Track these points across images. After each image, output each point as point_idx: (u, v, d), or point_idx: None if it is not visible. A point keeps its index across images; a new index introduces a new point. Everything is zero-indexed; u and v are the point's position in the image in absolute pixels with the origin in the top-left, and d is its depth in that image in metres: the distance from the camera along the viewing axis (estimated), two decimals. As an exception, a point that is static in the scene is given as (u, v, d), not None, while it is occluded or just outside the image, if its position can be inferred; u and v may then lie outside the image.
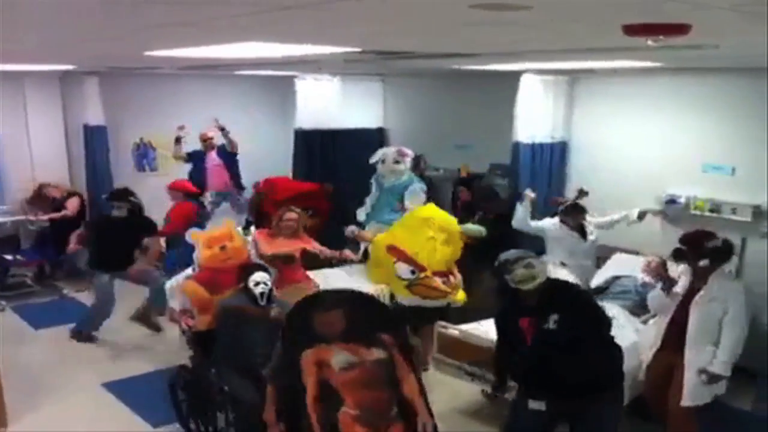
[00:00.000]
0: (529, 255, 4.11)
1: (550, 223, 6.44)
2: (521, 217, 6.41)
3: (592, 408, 3.94)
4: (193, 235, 5.81)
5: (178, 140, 8.89)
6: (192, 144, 9.11)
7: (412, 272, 5.97)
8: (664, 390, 4.79)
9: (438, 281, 5.96)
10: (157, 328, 7.25)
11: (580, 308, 4.03)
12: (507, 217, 6.69)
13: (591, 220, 6.46)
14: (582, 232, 6.40)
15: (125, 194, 7.12)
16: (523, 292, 3.99)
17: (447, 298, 6.09)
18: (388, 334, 3.92)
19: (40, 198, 8.82)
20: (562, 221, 6.40)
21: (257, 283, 4.83)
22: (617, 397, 4.15)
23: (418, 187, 7.17)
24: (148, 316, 7.25)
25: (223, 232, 5.79)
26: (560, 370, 3.85)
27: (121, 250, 6.91)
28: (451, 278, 6.10)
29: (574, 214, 6.35)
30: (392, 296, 6.21)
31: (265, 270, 5.05)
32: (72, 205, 8.61)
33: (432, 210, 6.39)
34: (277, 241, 6.16)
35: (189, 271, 6.01)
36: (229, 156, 9.13)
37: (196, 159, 9.08)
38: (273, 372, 4.13)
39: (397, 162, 7.22)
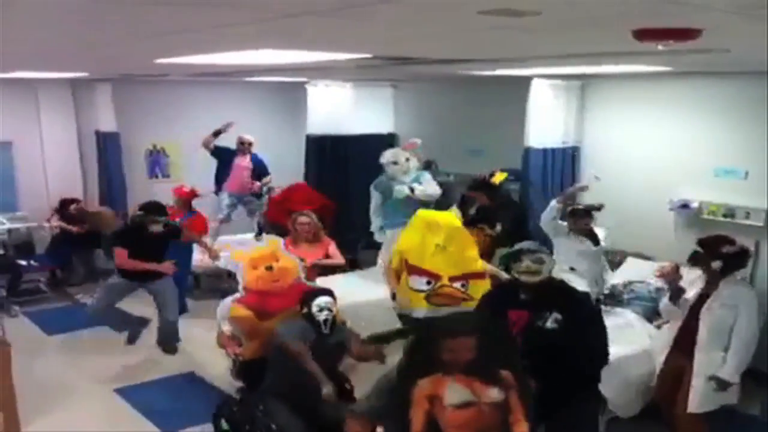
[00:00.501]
0: (543, 250, 4.12)
1: (561, 225, 6.26)
2: (551, 216, 6.07)
3: (565, 408, 3.89)
4: (235, 255, 5.54)
5: (217, 133, 8.83)
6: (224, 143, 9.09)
7: (428, 282, 5.69)
8: (674, 395, 4.77)
9: (455, 287, 5.69)
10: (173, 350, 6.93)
11: (583, 314, 4.03)
12: (522, 225, 6.67)
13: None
14: (592, 238, 6.30)
15: (162, 209, 6.69)
16: (522, 284, 4.00)
17: (464, 305, 5.73)
18: (508, 370, 3.43)
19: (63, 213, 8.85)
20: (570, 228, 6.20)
21: (321, 309, 4.54)
22: (591, 397, 4.15)
23: (429, 176, 7.41)
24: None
25: (268, 251, 5.50)
26: (543, 370, 3.72)
27: (153, 262, 6.56)
28: (471, 282, 5.74)
29: (575, 219, 6.15)
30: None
31: (329, 294, 4.76)
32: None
33: (432, 214, 6.14)
34: (301, 247, 6.19)
35: (237, 293, 5.61)
36: (261, 164, 9.09)
37: (225, 155, 8.94)
38: (374, 407, 3.86)
39: (407, 159, 7.34)
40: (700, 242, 4.77)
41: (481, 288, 5.55)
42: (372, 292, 6.56)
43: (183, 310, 7.78)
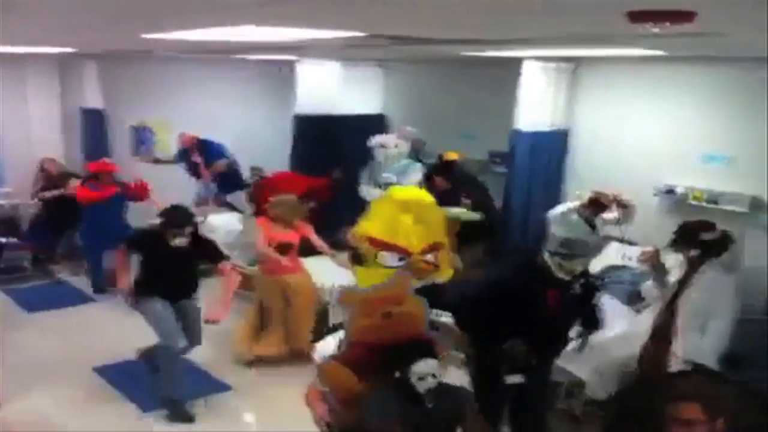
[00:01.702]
0: (588, 252, 4.36)
1: (563, 207, 6.02)
2: (564, 210, 5.85)
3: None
4: (346, 296, 4.12)
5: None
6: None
7: (400, 259, 5.76)
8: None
9: (427, 258, 5.81)
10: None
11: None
12: (489, 206, 6.73)
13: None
14: (592, 226, 6.25)
15: (188, 217, 5.39)
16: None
17: (434, 275, 5.90)
18: None
19: (43, 175, 8.76)
20: (580, 212, 5.89)
21: (422, 377, 3.40)
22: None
23: (419, 166, 7.46)
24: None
25: (392, 291, 3.91)
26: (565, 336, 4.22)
27: (183, 280, 5.49)
28: (437, 254, 5.87)
29: (594, 209, 6.10)
30: None
31: (430, 350, 3.52)
32: (72, 187, 8.56)
33: (399, 191, 6.23)
34: (276, 228, 6.17)
35: (335, 339, 4.20)
36: (212, 150, 9.36)
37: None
38: None
39: (396, 146, 7.34)
40: (680, 228, 4.78)
41: (444, 256, 5.90)
42: (347, 275, 6.50)
43: None
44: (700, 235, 4.64)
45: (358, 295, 4.02)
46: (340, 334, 4.01)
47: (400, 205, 5.91)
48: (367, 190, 7.42)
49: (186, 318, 5.44)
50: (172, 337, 5.24)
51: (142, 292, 5.30)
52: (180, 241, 5.18)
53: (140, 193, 7.97)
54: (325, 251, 6.45)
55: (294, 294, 6.19)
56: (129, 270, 5.44)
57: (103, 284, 7.88)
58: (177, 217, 5.26)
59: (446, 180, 7.15)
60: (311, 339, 6.21)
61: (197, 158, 9.20)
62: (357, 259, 6.05)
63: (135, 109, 9.74)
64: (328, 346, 4.25)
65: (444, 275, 5.99)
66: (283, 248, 6.14)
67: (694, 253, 4.62)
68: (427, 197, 6.13)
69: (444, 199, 6.59)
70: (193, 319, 5.47)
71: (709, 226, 4.74)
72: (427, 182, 7.21)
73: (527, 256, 4.43)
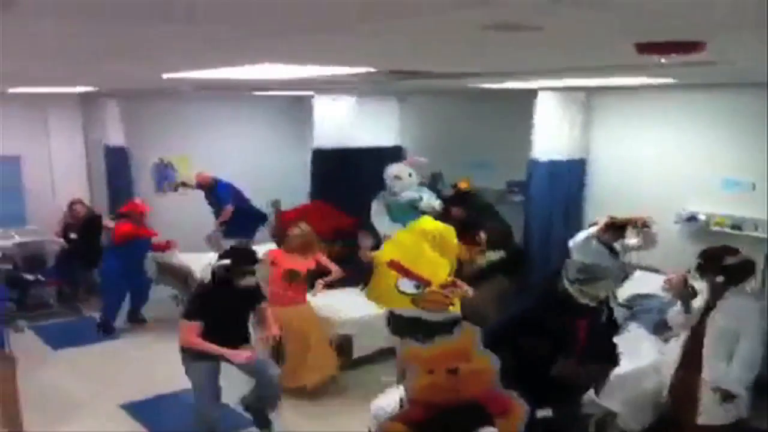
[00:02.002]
0: (609, 275, 4.28)
1: (583, 234, 6.09)
2: (583, 237, 5.98)
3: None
4: (408, 352, 3.87)
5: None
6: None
7: (417, 287, 5.86)
8: (685, 408, 4.72)
9: (443, 293, 5.85)
10: None
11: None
12: (507, 237, 6.71)
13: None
14: (612, 251, 6.25)
15: (253, 255, 5.27)
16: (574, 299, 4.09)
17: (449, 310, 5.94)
18: None
19: (70, 215, 8.84)
20: (599, 237, 6.02)
21: None
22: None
23: (432, 195, 7.51)
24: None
25: (458, 345, 3.66)
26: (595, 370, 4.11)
27: (241, 324, 5.34)
28: (455, 289, 5.91)
29: (612, 233, 6.10)
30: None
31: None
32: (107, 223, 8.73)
33: (427, 222, 6.30)
34: (288, 258, 6.20)
35: (396, 396, 3.94)
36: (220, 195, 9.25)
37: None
38: None
39: (410, 174, 7.39)
40: (703, 254, 4.74)
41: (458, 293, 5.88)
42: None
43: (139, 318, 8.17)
44: (724, 261, 4.60)
45: (419, 351, 3.75)
46: (401, 390, 3.77)
47: (425, 235, 6.02)
48: (380, 221, 7.43)
49: (260, 374, 5.27)
50: (208, 408, 5.12)
51: (192, 354, 5.06)
52: (249, 281, 5.06)
53: (164, 246, 8.35)
54: (336, 275, 6.43)
55: (287, 327, 5.98)
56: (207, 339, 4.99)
57: (115, 327, 8.03)
58: (245, 256, 5.16)
59: (463, 209, 7.17)
60: (329, 372, 6.25)
61: (211, 199, 9.24)
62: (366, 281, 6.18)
63: (157, 146, 9.89)
64: (388, 402, 4.16)
65: (455, 310, 6.01)
66: (291, 276, 6.15)
67: (719, 279, 4.58)
68: (452, 232, 6.18)
69: (462, 229, 6.60)
70: (269, 379, 5.27)
71: (732, 252, 4.70)
72: (444, 212, 7.20)
73: (549, 287, 4.38)
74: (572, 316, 4.11)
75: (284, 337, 5.97)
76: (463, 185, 7.59)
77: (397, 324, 6.08)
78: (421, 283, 5.87)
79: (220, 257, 5.14)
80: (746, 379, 4.51)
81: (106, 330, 7.96)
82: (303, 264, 6.22)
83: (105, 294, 8.21)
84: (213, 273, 5.10)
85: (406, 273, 5.89)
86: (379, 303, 6.07)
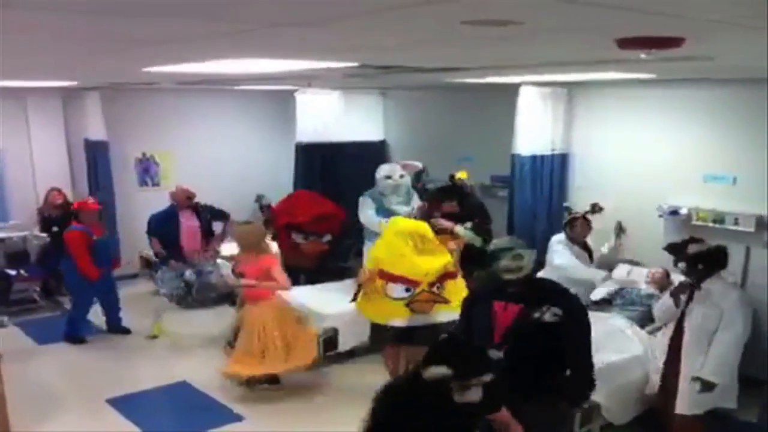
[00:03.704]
0: (519, 245, 4.09)
1: (556, 243, 6.30)
2: (558, 243, 6.25)
3: (526, 407, 3.77)
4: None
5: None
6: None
7: (407, 290, 5.70)
8: (670, 398, 4.78)
9: (434, 291, 5.74)
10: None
11: (579, 311, 4.03)
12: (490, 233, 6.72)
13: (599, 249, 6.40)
14: (588, 251, 6.36)
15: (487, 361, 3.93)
16: (507, 281, 3.99)
17: (436, 309, 5.80)
18: None
19: (47, 206, 8.79)
20: (569, 238, 6.32)
21: None
22: (555, 407, 4.08)
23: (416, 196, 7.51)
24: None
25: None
26: (523, 363, 3.82)
27: None
28: (445, 285, 5.81)
29: (581, 230, 6.25)
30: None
31: None
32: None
33: (404, 222, 6.17)
34: (245, 259, 6.19)
35: None
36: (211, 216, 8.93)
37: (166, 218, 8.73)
38: None
39: (402, 176, 7.39)
40: (667, 248, 4.82)
41: (453, 287, 5.70)
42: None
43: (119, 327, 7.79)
44: (686, 250, 4.67)
45: None
46: None
47: (401, 236, 5.87)
48: (368, 218, 7.40)
49: None
50: None
51: None
52: (473, 396, 3.13)
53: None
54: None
55: (259, 321, 6.10)
56: None
57: (83, 333, 7.57)
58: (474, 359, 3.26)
59: (456, 204, 6.91)
60: (303, 361, 6.19)
61: (188, 218, 8.77)
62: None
63: (139, 140, 9.82)
64: None
65: (454, 308, 5.88)
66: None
67: (681, 265, 4.66)
68: (426, 228, 6.02)
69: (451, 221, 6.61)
70: None
71: (695, 241, 4.78)
72: (433, 204, 7.07)
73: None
74: (491, 298, 4.02)
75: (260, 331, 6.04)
76: (461, 175, 7.33)
77: (386, 335, 5.95)
78: (409, 285, 5.71)
79: (433, 362, 3.16)
80: (724, 368, 4.56)
81: (73, 341, 7.48)
82: (251, 269, 6.15)
83: (72, 304, 7.82)
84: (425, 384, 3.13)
85: (392, 278, 5.75)
86: (375, 316, 5.91)
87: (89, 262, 7.20)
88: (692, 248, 4.69)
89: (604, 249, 6.58)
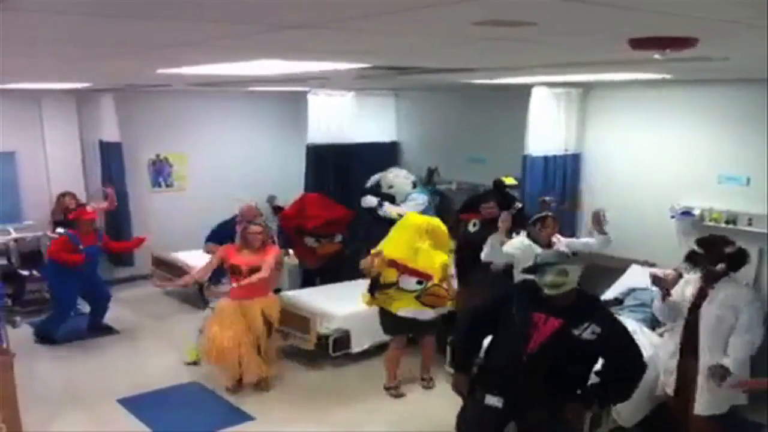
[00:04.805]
0: (565, 261, 4.08)
1: (518, 243, 5.91)
2: (495, 250, 5.74)
3: (549, 423, 3.90)
4: None
5: None
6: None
7: (419, 282, 5.90)
8: (686, 401, 4.74)
9: (444, 287, 5.96)
10: None
11: (619, 329, 4.04)
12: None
13: (562, 240, 6.06)
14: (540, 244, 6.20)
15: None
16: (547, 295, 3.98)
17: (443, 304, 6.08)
18: None
19: (59, 208, 8.80)
20: (532, 239, 5.93)
21: None
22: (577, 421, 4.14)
23: (418, 196, 7.58)
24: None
25: None
26: (555, 379, 3.85)
27: None
28: (447, 284, 6.05)
29: (552, 229, 5.98)
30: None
31: None
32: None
33: (416, 217, 6.35)
34: (243, 253, 6.19)
35: None
36: None
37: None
38: None
39: (390, 187, 7.59)
40: (701, 244, 4.74)
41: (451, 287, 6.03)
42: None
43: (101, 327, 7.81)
44: (724, 249, 4.62)
45: None
46: None
47: (418, 230, 6.05)
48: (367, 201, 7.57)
49: None
50: None
51: None
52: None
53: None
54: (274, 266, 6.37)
55: (241, 317, 6.16)
56: None
57: (57, 335, 7.54)
58: None
59: (500, 207, 6.37)
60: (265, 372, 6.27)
61: None
62: (372, 288, 6.09)
63: (152, 142, 9.87)
64: None
65: (449, 304, 6.13)
66: (234, 271, 6.14)
67: (720, 267, 4.59)
68: (438, 224, 6.20)
69: (487, 227, 6.24)
70: None
71: (728, 240, 4.74)
72: (472, 208, 6.75)
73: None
74: (531, 308, 3.99)
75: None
76: (509, 181, 6.97)
77: (389, 324, 6.16)
78: (423, 279, 5.92)
79: None
80: (744, 361, 4.52)
81: (43, 341, 7.51)
82: (252, 261, 6.16)
83: (53, 306, 7.81)
84: None
85: (406, 270, 5.93)
86: (383, 303, 6.06)
87: (67, 258, 7.20)
88: (730, 248, 4.64)
89: (593, 241, 6.26)
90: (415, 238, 6.01)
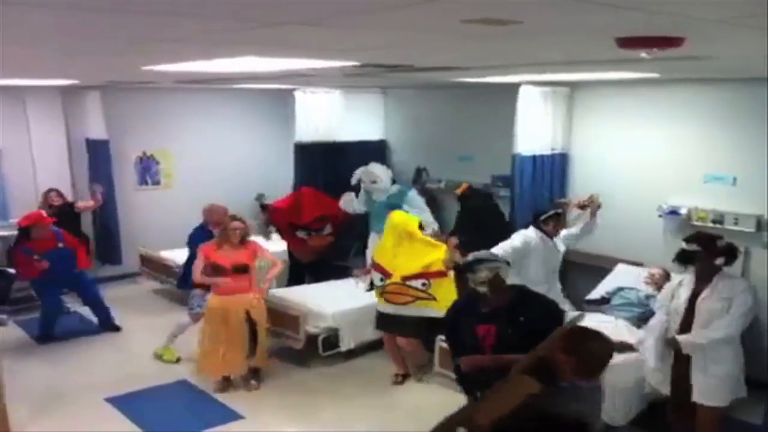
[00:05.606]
0: (498, 258, 4.13)
1: (530, 236, 5.93)
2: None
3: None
4: None
5: None
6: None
7: (381, 279, 6.08)
8: (682, 396, 4.74)
9: (413, 285, 5.96)
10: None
11: (545, 317, 4.01)
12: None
13: (562, 233, 6.12)
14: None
15: None
16: (482, 297, 3.98)
17: (419, 304, 6.00)
18: None
19: (45, 206, 8.76)
20: (543, 232, 5.95)
21: None
22: None
23: (411, 195, 7.60)
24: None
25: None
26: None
27: None
28: (433, 281, 5.98)
29: (557, 225, 6.01)
30: None
31: None
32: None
33: (397, 216, 6.39)
34: (224, 249, 6.16)
35: None
36: None
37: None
38: None
39: (373, 182, 7.46)
40: (695, 241, 4.73)
41: (443, 287, 5.87)
42: (365, 297, 6.58)
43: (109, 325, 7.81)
44: (718, 243, 4.64)
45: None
46: None
47: (390, 228, 6.27)
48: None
49: None
50: None
51: None
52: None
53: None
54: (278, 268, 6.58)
55: (229, 314, 6.16)
56: None
57: (51, 333, 7.58)
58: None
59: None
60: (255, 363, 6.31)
61: None
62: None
63: (139, 139, 9.81)
64: None
65: (441, 307, 5.96)
66: (238, 269, 6.14)
67: (719, 261, 4.60)
68: (413, 224, 6.25)
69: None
70: None
71: (717, 236, 4.75)
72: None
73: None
74: (474, 321, 4.03)
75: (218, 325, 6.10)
76: (459, 190, 7.30)
77: (378, 320, 6.29)
78: (384, 275, 6.07)
79: None
80: (717, 340, 4.52)
81: (44, 341, 7.51)
82: (237, 257, 6.16)
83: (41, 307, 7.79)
84: None
85: (374, 266, 6.22)
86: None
87: (33, 273, 7.24)
88: (723, 242, 4.65)
89: (575, 230, 6.19)
90: (387, 235, 6.29)
